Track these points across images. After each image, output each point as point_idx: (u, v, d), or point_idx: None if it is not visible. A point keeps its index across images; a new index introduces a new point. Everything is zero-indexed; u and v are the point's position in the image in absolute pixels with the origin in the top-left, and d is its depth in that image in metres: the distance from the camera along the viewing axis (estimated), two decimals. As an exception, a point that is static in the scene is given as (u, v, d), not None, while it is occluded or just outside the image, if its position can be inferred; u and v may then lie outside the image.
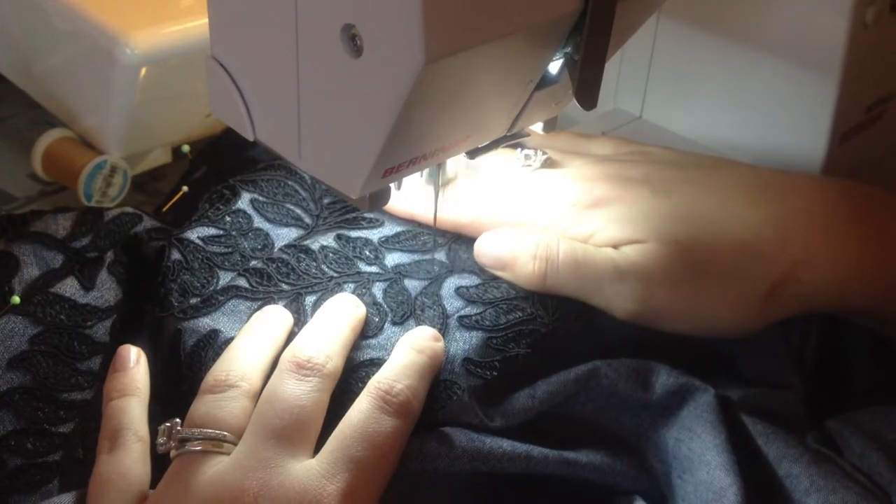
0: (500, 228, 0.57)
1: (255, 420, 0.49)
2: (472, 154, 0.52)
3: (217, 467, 0.47)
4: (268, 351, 0.52)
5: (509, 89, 0.47)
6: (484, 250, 0.57)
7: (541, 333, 0.54)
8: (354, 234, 0.59)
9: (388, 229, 0.60)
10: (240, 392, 0.50)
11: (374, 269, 0.57)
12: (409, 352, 0.51)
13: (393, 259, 0.58)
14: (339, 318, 0.53)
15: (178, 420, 0.50)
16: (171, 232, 0.60)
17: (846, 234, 0.55)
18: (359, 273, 0.57)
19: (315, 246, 0.58)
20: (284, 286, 0.56)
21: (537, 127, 0.54)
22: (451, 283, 0.56)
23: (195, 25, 0.70)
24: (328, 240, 0.59)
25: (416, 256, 0.58)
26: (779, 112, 0.66)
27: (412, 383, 0.50)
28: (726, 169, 0.59)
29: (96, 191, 0.73)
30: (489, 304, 0.54)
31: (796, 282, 0.54)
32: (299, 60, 0.44)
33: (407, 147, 0.45)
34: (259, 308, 0.55)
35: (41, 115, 0.82)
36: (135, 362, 0.54)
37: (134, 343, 0.56)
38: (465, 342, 0.53)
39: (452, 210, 0.58)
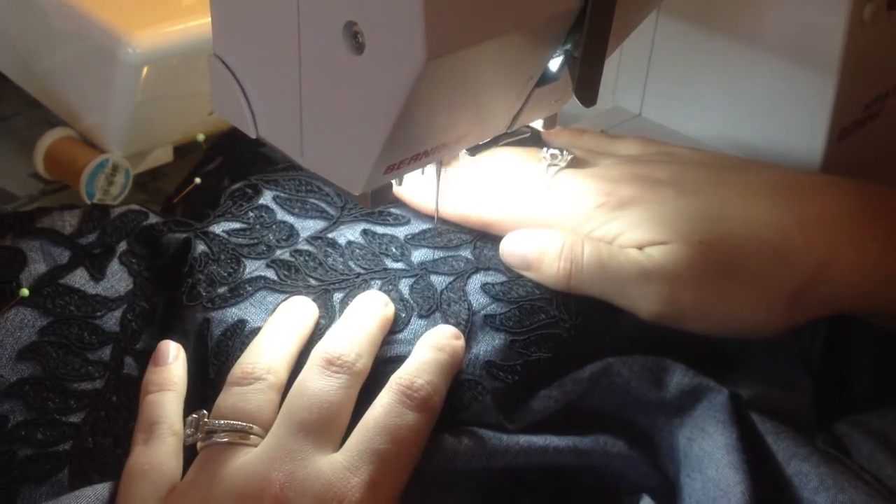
0: (527, 228, 0.57)
1: (284, 413, 0.50)
2: (474, 151, 0.52)
3: (245, 458, 0.48)
4: (293, 343, 0.53)
5: (510, 86, 0.47)
6: (510, 250, 0.57)
7: (562, 338, 0.54)
8: (380, 230, 0.60)
9: (415, 226, 0.60)
10: (266, 385, 0.51)
11: (400, 265, 0.58)
12: (430, 349, 0.52)
13: (419, 256, 0.58)
14: (369, 316, 0.54)
15: (204, 412, 0.51)
16: (192, 225, 0.61)
17: (870, 236, 0.55)
18: (385, 270, 0.57)
19: (342, 241, 0.59)
20: (312, 281, 0.57)
21: (538, 124, 0.54)
22: (476, 280, 0.56)
23: (196, 24, 0.70)
24: (355, 234, 0.59)
25: (441, 253, 0.58)
26: (777, 110, 0.67)
27: (433, 379, 0.51)
28: (752, 170, 0.59)
29: (98, 189, 0.73)
30: (513, 303, 0.55)
31: (821, 283, 0.54)
32: (301, 58, 0.44)
33: (409, 144, 0.46)
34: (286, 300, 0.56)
35: (43, 115, 0.82)
36: (174, 358, 0.55)
37: (143, 333, 0.57)
38: (488, 344, 0.53)
39: (479, 207, 0.59)
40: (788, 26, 0.64)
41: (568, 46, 0.46)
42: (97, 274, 0.58)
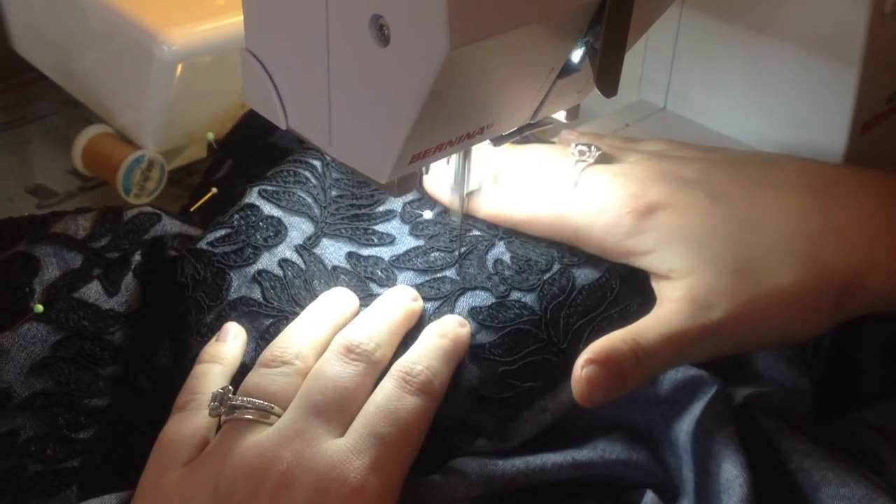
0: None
1: (300, 395, 0.51)
2: (497, 141, 0.53)
3: (260, 435, 0.50)
4: (326, 331, 0.54)
5: (532, 77, 0.48)
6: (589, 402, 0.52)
7: (552, 362, 0.54)
8: (365, 251, 0.59)
9: (399, 247, 0.59)
10: (293, 369, 0.52)
11: (385, 290, 0.57)
12: (432, 336, 0.53)
13: (404, 279, 0.57)
14: (394, 308, 0.55)
15: (230, 388, 0.52)
16: (191, 239, 0.60)
17: None
18: (371, 296, 0.56)
19: (327, 263, 0.58)
20: (298, 309, 0.56)
21: (560, 115, 0.55)
22: (464, 303, 0.56)
23: (230, 23, 0.72)
24: (340, 257, 0.58)
25: (427, 276, 0.57)
26: (800, 103, 0.67)
27: (432, 364, 0.52)
28: (782, 167, 0.59)
29: (134, 185, 0.74)
30: (501, 330, 0.54)
31: (861, 288, 0.54)
32: (329, 50, 0.46)
33: (433, 133, 0.47)
34: (271, 325, 0.56)
35: (80, 113, 0.84)
36: (234, 338, 0.56)
37: (156, 349, 0.58)
38: (478, 377, 0.53)
39: (509, 206, 0.59)
40: (811, 19, 0.64)
41: (589, 38, 0.47)
42: (111, 288, 0.57)
